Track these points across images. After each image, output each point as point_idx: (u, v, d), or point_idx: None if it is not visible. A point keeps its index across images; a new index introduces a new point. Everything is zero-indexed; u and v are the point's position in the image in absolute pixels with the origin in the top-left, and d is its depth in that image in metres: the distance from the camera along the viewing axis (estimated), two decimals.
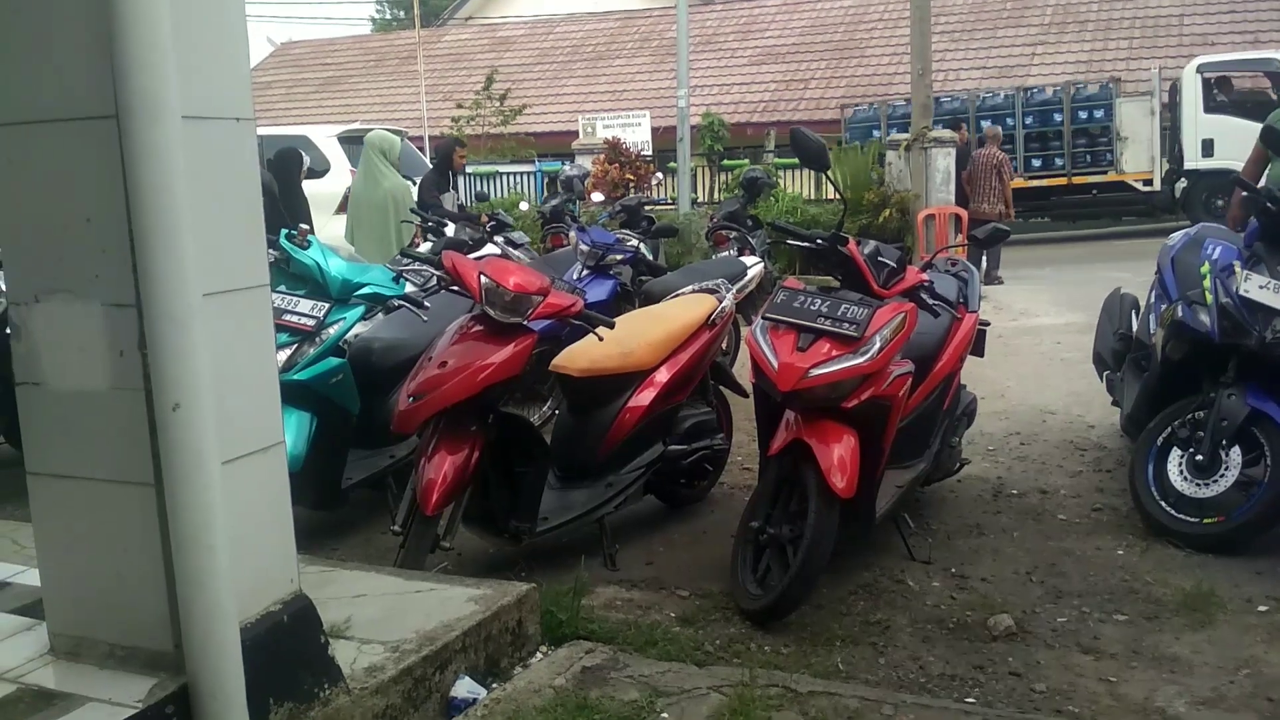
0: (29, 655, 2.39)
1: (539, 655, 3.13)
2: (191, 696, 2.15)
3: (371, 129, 12.54)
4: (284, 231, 4.59)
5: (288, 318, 4.33)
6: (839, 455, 3.51)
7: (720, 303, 4.65)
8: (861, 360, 3.53)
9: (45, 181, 2.21)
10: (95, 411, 2.21)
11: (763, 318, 3.76)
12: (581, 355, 4.31)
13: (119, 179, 2.07)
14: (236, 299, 2.30)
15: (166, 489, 2.11)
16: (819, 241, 3.91)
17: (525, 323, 3.89)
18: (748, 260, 7.06)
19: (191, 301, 2.08)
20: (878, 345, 3.56)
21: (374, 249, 7.69)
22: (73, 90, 2.14)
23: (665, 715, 2.69)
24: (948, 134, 12.69)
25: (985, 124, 15.06)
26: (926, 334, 4.12)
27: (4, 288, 4.90)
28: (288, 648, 2.38)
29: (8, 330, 4.82)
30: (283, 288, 4.50)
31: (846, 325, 3.57)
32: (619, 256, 6.60)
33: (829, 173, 4.13)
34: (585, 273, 6.56)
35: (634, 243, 7.01)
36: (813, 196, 14.92)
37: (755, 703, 2.72)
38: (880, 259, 3.83)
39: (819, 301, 3.67)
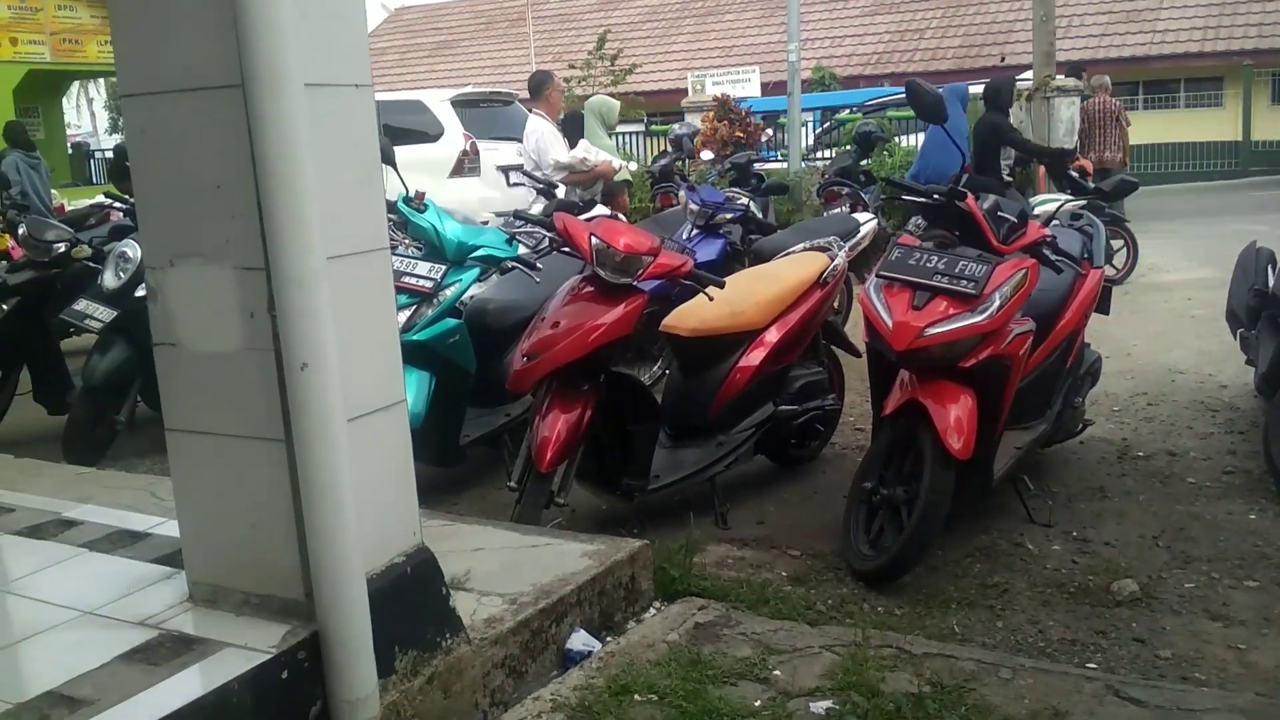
0: (169, 602, 2.52)
1: (652, 611, 3.17)
2: (322, 643, 2.24)
3: (484, 91, 12.71)
4: (401, 195, 4.69)
5: (406, 280, 4.43)
6: (956, 416, 3.45)
7: (832, 261, 4.59)
8: (980, 318, 3.45)
9: (177, 150, 2.29)
10: (228, 371, 2.30)
11: (877, 275, 3.70)
12: (691, 315, 4.31)
13: (246, 146, 2.14)
14: (359, 262, 2.36)
15: (296, 445, 2.19)
16: (936, 197, 3.81)
17: (635, 283, 3.91)
18: (860, 217, 6.92)
19: (316, 264, 2.15)
20: (997, 303, 3.47)
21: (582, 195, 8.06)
22: (200, 60, 2.21)
23: (778, 672, 2.70)
24: (1071, 82, 12.20)
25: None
26: (1049, 290, 4.00)
27: (132, 254, 5.16)
28: (411, 598, 2.46)
29: (142, 293, 5.09)
30: (401, 251, 4.61)
31: (964, 282, 3.48)
32: (729, 215, 6.55)
33: (945, 125, 4.01)
34: (695, 232, 6.53)
35: (744, 201, 6.94)
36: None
37: (868, 663, 2.70)
38: (1000, 214, 3.73)
39: (936, 258, 3.59)
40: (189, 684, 2.13)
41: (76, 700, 2.09)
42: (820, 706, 2.51)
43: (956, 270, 3.52)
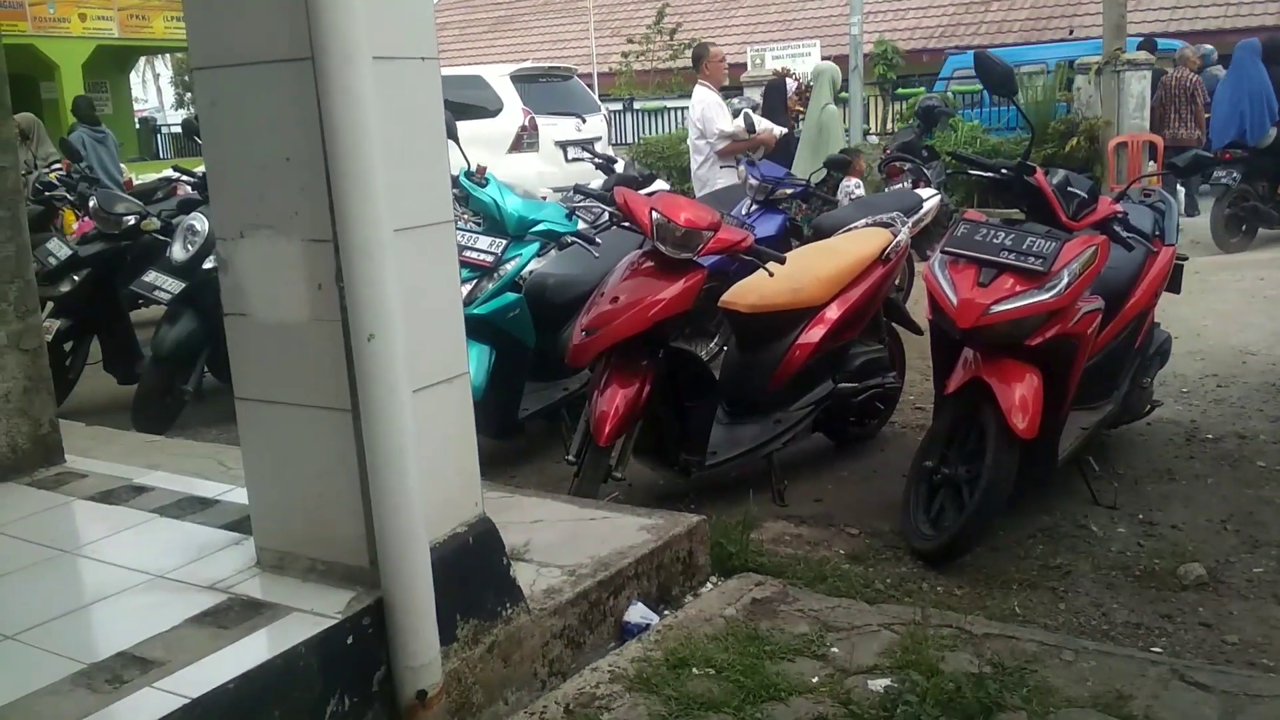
0: (238, 567, 2.57)
1: (709, 585, 3.17)
2: (386, 610, 2.27)
3: (544, 66, 12.70)
4: (463, 170, 4.71)
5: (467, 254, 4.46)
6: (1020, 395, 3.39)
7: (895, 237, 4.53)
8: (1047, 296, 3.39)
9: (247, 123, 2.32)
10: (296, 341, 2.33)
11: (941, 252, 3.64)
12: (751, 291, 4.29)
13: (315, 119, 2.16)
14: (424, 234, 2.38)
15: (362, 415, 2.22)
16: (1004, 171, 3.74)
17: (695, 258, 3.90)
18: (923, 193, 6.81)
19: (384, 236, 2.17)
20: (1065, 280, 3.40)
21: (808, 162, 8.44)
22: (270, 34, 2.23)
23: (835, 650, 2.70)
24: (1142, 55, 11.87)
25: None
26: (1118, 268, 3.92)
27: (200, 227, 5.25)
28: (473, 567, 2.49)
29: (209, 265, 5.19)
30: (461, 225, 4.64)
31: (1032, 259, 3.42)
32: (789, 190, 6.49)
33: (1015, 99, 3.93)
34: (754, 208, 6.48)
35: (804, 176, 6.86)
36: (993, 125, 14.24)
37: (928, 642, 2.69)
38: (1070, 189, 3.65)
39: (1002, 234, 3.52)
40: (257, 647, 2.18)
41: (148, 661, 2.14)
42: (879, 684, 2.50)
43: (1024, 246, 3.46)
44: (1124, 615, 3.15)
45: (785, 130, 8.52)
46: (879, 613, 2.93)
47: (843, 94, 10.42)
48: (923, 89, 14.76)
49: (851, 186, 8.01)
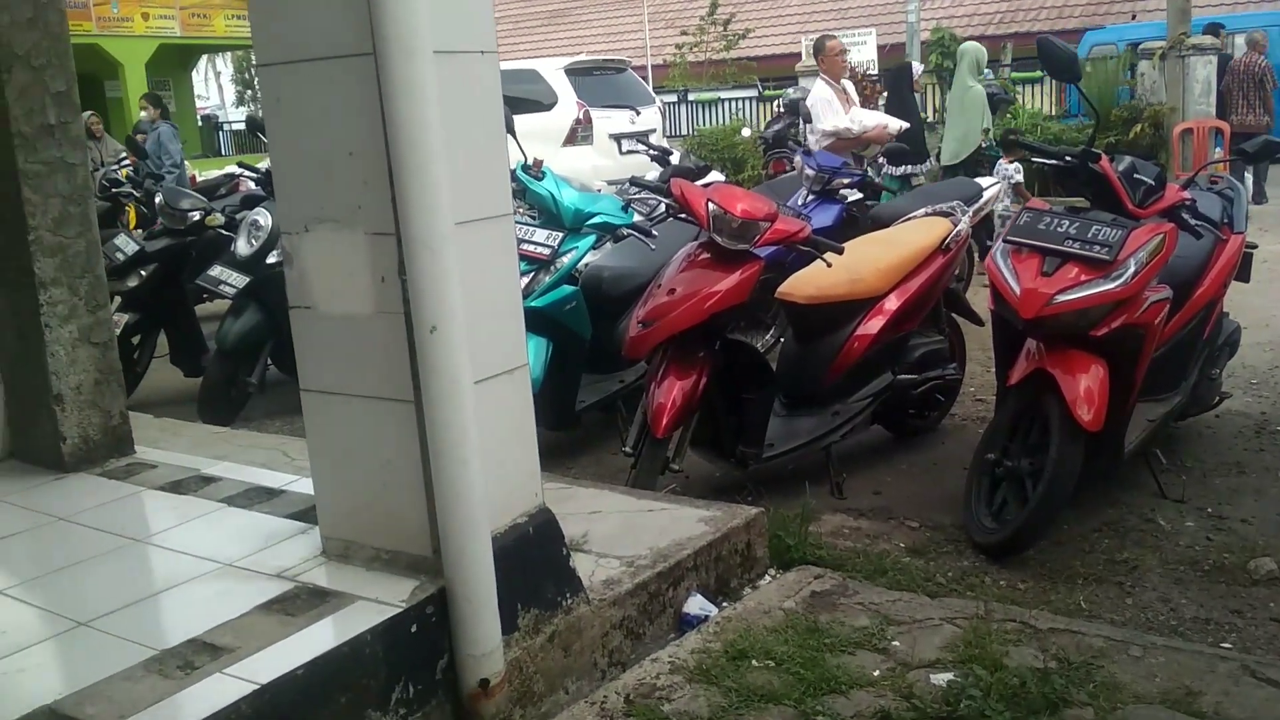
0: (304, 556, 2.62)
1: (767, 578, 3.16)
2: (449, 599, 2.30)
3: (598, 59, 12.72)
4: (520, 163, 4.73)
5: (524, 247, 4.49)
6: (1086, 386, 3.34)
7: (955, 226, 4.48)
8: (1113, 285, 3.32)
9: (311, 117, 2.35)
10: (360, 333, 2.37)
11: (1004, 240, 3.59)
12: (808, 282, 4.26)
13: (377, 113, 2.18)
14: (484, 227, 2.40)
15: (425, 406, 2.24)
16: (1068, 158, 3.67)
17: (752, 249, 3.88)
18: (983, 181, 6.72)
19: (445, 230, 2.19)
20: (1132, 269, 3.33)
21: (954, 145, 8.36)
22: (333, 29, 2.25)
23: (897, 643, 2.68)
24: (1208, 40, 11.58)
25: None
26: (1186, 257, 3.84)
27: (264, 222, 5.34)
28: (533, 557, 2.51)
29: (273, 259, 5.27)
30: (518, 218, 4.67)
31: (1097, 248, 3.36)
32: (846, 180, 6.43)
33: (1079, 85, 3.86)
34: (810, 198, 6.44)
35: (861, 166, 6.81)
36: (1053, 112, 13.99)
37: (991, 636, 2.65)
38: (1136, 176, 3.57)
39: (1067, 222, 3.46)
40: (324, 634, 2.22)
41: (218, 647, 2.19)
42: (941, 678, 2.48)
43: (1089, 235, 3.40)
44: (1192, 610, 3.09)
45: (904, 125, 7.83)
46: (941, 606, 2.90)
47: (986, 72, 10.11)
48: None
49: (1010, 170, 7.84)
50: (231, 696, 1.98)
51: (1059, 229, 3.45)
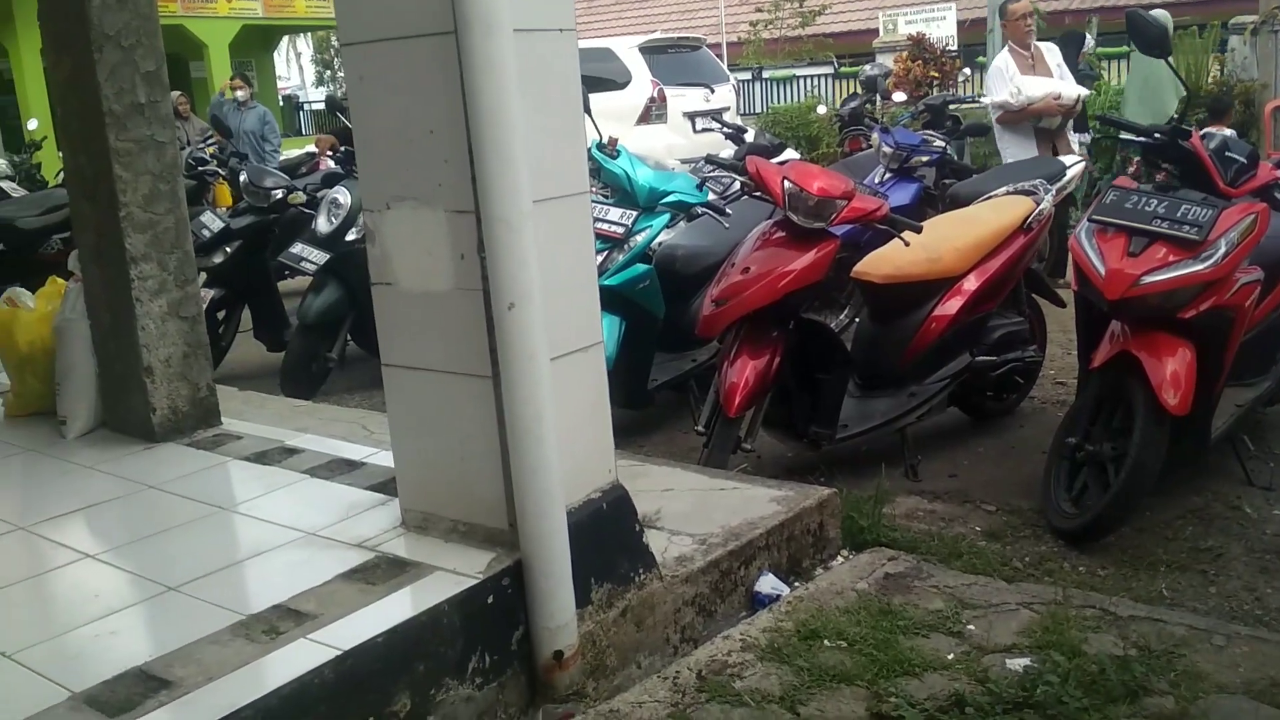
0: (383, 527, 2.68)
1: (840, 559, 3.15)
2: (525, 572, 2.34)
3: (672, 37, 12.67)
4: (595, 141, 4.74)
5: (599, 225, 4.50)
6: (1172, 370, 3.25)
7: (1038, 205, 4.38)
8: (1202, 267, 3.23)
9: (393, 96, 2.39)
10: (440, 310, 2.40)
11: (1089, 220, 3.51)
12: (885, 261, 4.21)
13: (458, 91, 2.20)
14: (562, 205, 2.41)
15: (502, 382, 2.27)
16: (1158, 135, 3.57)
17: (828, 228, 3.84)
18: (1067, 159, 6.54)
19: (524, 207, 2.21)
20: (1222, 250, 3.24)
21: (1138, 116, 7.47)
22: (415, 8, 2.28)
23: (972, 627, 2.65)
24: None
25: None
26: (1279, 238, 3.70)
27: (343, 200, 5.45)
28: (607, 533, 2.53)
29: (352, 236, 5.36)
30: (594, 197, 4.68)
31: (1186, 228, 3.26)
32: (924, 158, 6.32)
33: (1169, 60, 3.74)
34: (887, 176, 6.35)
35: (940, 143, 6.68)
36: None
37: (1069, 623, 2.61)
38: (1228, 154, 3.47)
39: (1155, 201, 3.37)
40: (403, 603, 2.27)
41: (302, 614, 2.25)
42: (1018, 664, 2.45)
43: (1178, 214, 3.30)
44: (1279, 600, 3.00)
45: (1082, 91, 7.05)
46: (1017, 591, 2.86)
47: (956, 52, 9.54)
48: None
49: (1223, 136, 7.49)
50: (315, 661, 2.04)
51: (1147, 208, 3.36)
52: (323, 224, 5.55)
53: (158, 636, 2.22)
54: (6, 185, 8.73)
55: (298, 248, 5.61)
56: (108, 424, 3.75)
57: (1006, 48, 7.09)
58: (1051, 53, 7.06)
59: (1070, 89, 6.87)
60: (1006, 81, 6.86)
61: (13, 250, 7.08)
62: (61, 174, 8.71)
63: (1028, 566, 3.24)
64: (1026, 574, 3.16)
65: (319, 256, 5.49)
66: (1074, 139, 6.91)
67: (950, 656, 2.51)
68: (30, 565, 2.72)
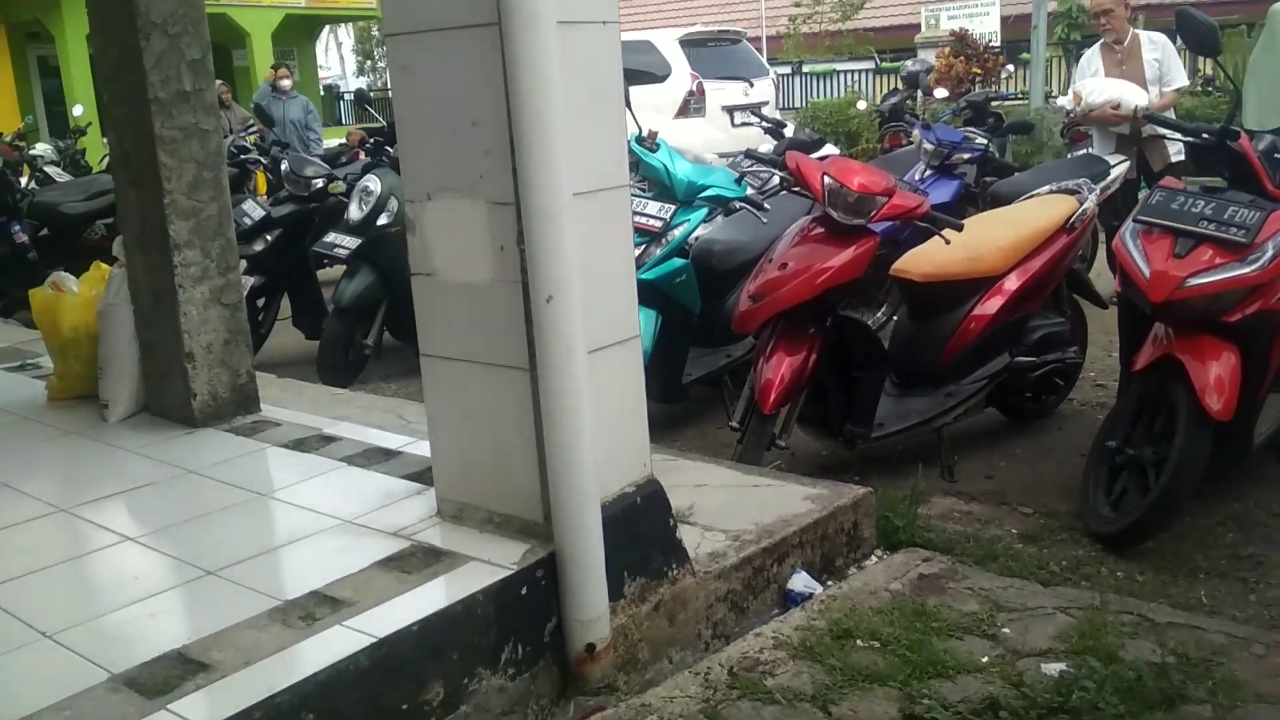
0: (419, 516, 2.69)
1: (874, 559, 3.14)
2: (558, 564, 2.34)
3: (713, 30, 12.63)
4: (634, 135, 4.74)
5: (637, 219, 4.50)
6: (1216, 374, 3.20)
7: (1080, 204, 4.33)
8: (1249, 270, 3.18)
9: (435, 87, 2.39)
10: (478, 301, 2.41)
11: (1134, 220, 3.46)
12: (925, 259, 4.17)
13: (500, 83, 2.21)
14: (602, 198, 2.41)
15: (540, 374, 2.27)
16: (1205, 136, 3.51)
17: (867, 224, 3.82)
18: (1111, 158, 6.47)
19: (564, 200, 2.21)
20: (1270, 253, 3.18)
21: (1258, 112, 6.43)
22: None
23: (1007, 630, 2.62)
24: None
25: None
26: None
27: (374, 187, 5.51)
28: (641, 526, 2.53)
29: (384, 222, 5.42)
30: (632, 190, 4.68)
31: (1234, 230, 3.21)
32: (966, 155, 6.27)
33: (1219, 58, 3.68)
34: (928, 173, 6.30)
35: (982, 141, 6.62)
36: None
37: (1106, 628, 2.58)
38: (1278, 155, 3.40)
39: (1201, 203, 3.32)
40: (438, 592, 2.28)
41: (338, 600, 2.27)
42: (1053, 668, 2.42)
43: (1225, 216, 3.25)
44: None
45: (1143, 104, 5.94)
46: (1054, 595, 2.83)
47: (999, 49, 8.82)
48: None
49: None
50: (350, 648, 2.05)
51: (1193, 209, 3.31)
52: (354, 211, 5.63)
53: (196, 620, 2.25)
54: (52, 170, 8.85)
55: (331, 236, 5.69)
56: (149, 408, 3.79)
57: (1100, 41, 6.45)
58: (1153, 47, 6.23)
59: (1132, 96, 5.98)
60: (1080, 84, 6.33)
61: (57, 235, 7.20)
62: (106, 160, 8.85)
63: (1065, 570, 3.21)
64: (1063, 578, 3.13)
65: (350, 241, 5.57)
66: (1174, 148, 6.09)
67: (985, 659, 2.49)
68: (71, 547, 2.76)
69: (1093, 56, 6.34)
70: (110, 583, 2.53)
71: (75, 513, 2.94)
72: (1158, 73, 6.10)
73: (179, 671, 2.02)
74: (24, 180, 7.70)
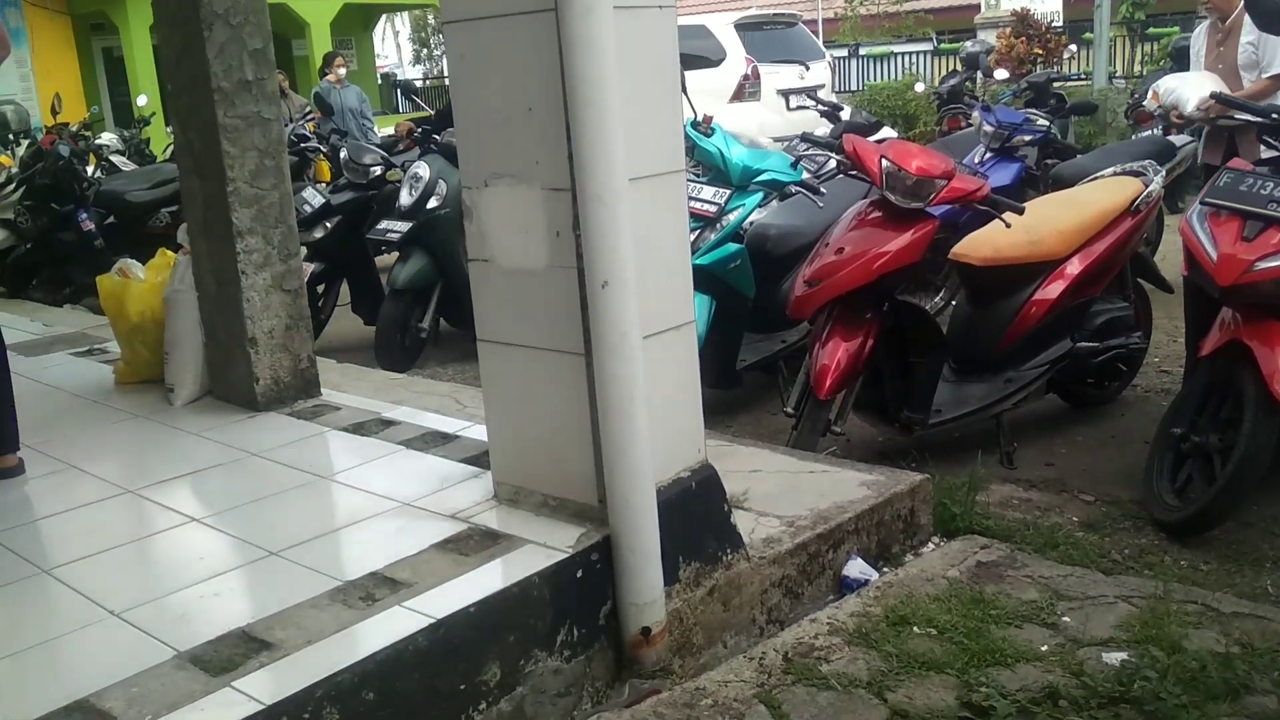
0: (476, 499, 2.72)
1: (931, 546, 3.11)
2: (613, 548, 2.35)
3: (768, 14, 12.54)
4: (689, 119, 4.73)
5: (691, 204, 4.48)
6: None
7: (1146, 187, 4.23)
8: None
9: (493, 74, 2.40)
10: (534, 287, 2.42)
11: (1201, 203, 3.38)
12: (985, 243, 4.11)
13: (557, 69, 2.21)
14: (657, 184, 2.40)
15: (595, 359, 2.28)
16: (1275, 116, 3.42)
17: (926, 208, 3.77)
18: (1177, 139, 6.32)
19: (619, 185, 2.20)
20: None
21: None
22: None
23: (1067, 619, 2.59)
24: None
25: None
26: None
27: (423, 173, 5.56)
28: (695, 511, 2.53)
29: (434, 206, 5.46)
30: (687, 175, 4.67)
31: None
32: (1027, 137, 6.16)
33: None
34: (988, 155, 6.20)
35: (1044, 122, 6.50)
36: None
37: (1169, 617, 2.54)
38: None
39: (1271, 184, 3.23)
40: (495, 575, 2.30)
41: (397, 581, 2.30)
42: (1114, 658, 2.39)
43: None
44: None
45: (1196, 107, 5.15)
46: (1115, 584, 2.78)
47: (1061, 29, 8.56)
48: (1176, 29, 13.65)
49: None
50: (409, 628, 2.08)
51: (1263, 191, 3.22)
52: (404, 198, 5.70)
53: (259, 599, 2.30)
54: (117, 160, 9.04)
55: (383, 223, 5.78)
56: (213, 392, 3.87)
57: (1208, 20, 5.72)
58: (1252, 29, 5.22)
59: (1190, 95, 5.20)
60: (1193, 61, 5.70)
61: (123, 223, 7.36)
62: (170, 149, 9.02)
63: (1127, 559, 3.15)
64: (1125, 567, 3.08)
65: (401, 226, 5.65)
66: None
67: (1044, 648, 2.46)
68: (138, 527, 2.83)
69: (1197, 36, 5.76)
70: (176, 562, 2.59)
71: (142, 494, 3.01)
72: (1253, 58, 5.44)
73: (242, 650, 2.07)
74: (90, 170, 7.87)
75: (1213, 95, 4.64)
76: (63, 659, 2.15)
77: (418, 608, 2.17)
